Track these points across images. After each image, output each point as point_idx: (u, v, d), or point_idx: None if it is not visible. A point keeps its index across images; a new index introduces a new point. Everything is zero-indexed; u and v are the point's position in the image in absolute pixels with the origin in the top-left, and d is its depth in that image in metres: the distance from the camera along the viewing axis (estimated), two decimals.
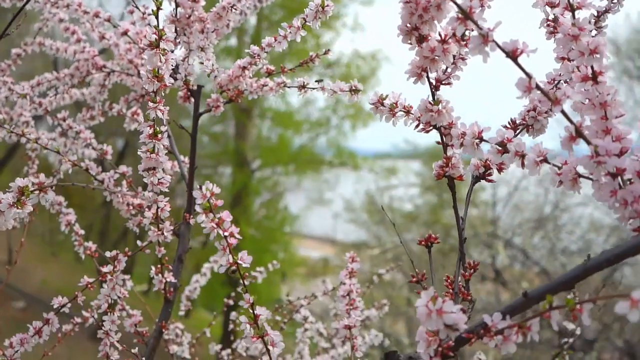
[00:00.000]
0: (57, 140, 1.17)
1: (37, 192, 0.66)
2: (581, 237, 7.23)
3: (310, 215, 12.27)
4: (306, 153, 12.03)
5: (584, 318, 0.45)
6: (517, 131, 0.68)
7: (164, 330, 0.98)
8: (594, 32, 0.72)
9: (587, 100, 0.55)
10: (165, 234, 0.90)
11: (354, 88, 0.84)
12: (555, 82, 0.69)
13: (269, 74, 0.99)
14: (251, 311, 0.64)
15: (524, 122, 0.68)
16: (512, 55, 0.50)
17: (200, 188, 0.61)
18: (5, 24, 0.85)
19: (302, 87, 0.95)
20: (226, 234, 0.62)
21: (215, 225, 0.61)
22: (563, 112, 0.51)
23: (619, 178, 0.52)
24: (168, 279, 0.96)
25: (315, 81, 0.96)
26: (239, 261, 0.63)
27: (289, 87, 0.98)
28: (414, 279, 0.64)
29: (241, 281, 0.64)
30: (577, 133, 0.51)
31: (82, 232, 1.09)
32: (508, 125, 0.68)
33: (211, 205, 0.61)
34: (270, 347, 0.64)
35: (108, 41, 1.13)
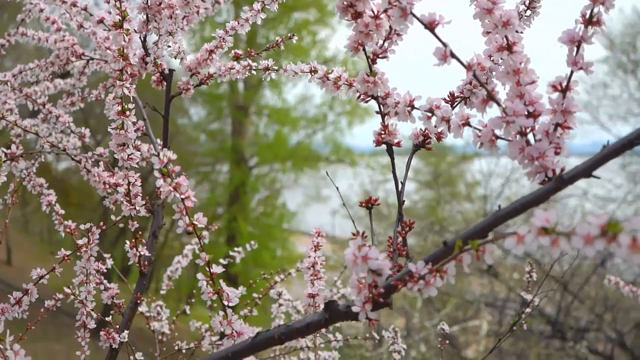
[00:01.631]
0: (40, 126, 1.22)
1: (8, 162, 0.72)
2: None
3: (308, 212, 12.32)
4: (303, 150, 12.09)
5: (486, 257, 0.50)
6: (455, 103, 0.73)
7: (139, 301, 1.04)
8: (528, 12, 0.78)
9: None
10: (138, 208, 0.95)
11: (313, 69, 0.89)
12: (491, 57, 0.74)
13: (237, 58, 1.05)
14: (207, 269, 0.70)
15: (461, 94, 0.73)
16: (430, 26, 0.56)
17: (158, 155, 0.66)
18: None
19: (267, 69, 1.01)
20: (183, 196, 0.67)
21: (172, 189, 0.67)
22: (475, 76, 0.56)
23: (530, 137, 0.57)
24: (142, 253, 1.01)
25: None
26: (195, 222, 0.68)
27: (254, 69, 1.03)
28: (354, 237, 0.69)
29: (198, 241, 0.70)
30: (489, 96, 0.57)
31: (62, 211, 1.14)
32: (447, 98, 0.74)
33: (169, 170, 0.67)
34: (225, 302, 0.70)
35: (86, 30, 1.18)
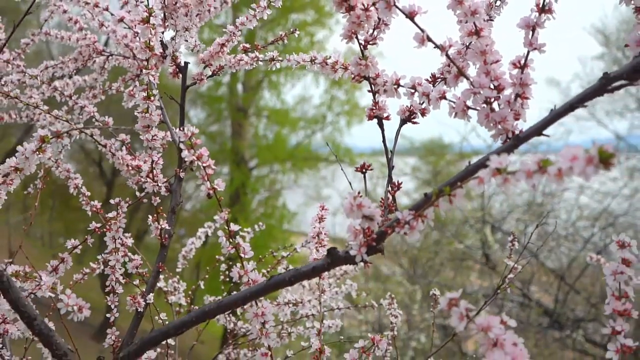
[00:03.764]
0: (65, 116, 1.34)
1: (54, 139, 0.84)
2: (572, 224, 7.44)
3: (308, 212, 12.43)
4: (302, 150, 12.21)
5: (457, 200, 0.62)
6: (436, 83, 0.85)
7: (160, 270, 1.15)
8: (498, 2, 0.90)
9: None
10: (160, 184, 1.07)
11: (313, 58, 1.01)
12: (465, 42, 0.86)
13: (245, 51, 1.17)
14: (226, 227, 0.82)
15: (441, 75, 0.85)
16: (411, 15, 0.68)
17: (184, 128, 0.78)
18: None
19: (272, 59, 1.13)
20: (205, 164, 0.79)
21: (195, 158, 0.79)
22: (447, 56, 0.68)
23: (495, 105, 0.69)
24: (163, 227, 1.13)
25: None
26: (215, 186, 0.80)
27: (261, 61, 1.15)
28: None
29: (218, 204, 0.82)
30: (460, 72, 0.69)
31: (88, 193, 1.26)
32: (429, 79, 0.86)
33: (192, 142, 0.79)
34: (242, 255, 0.82)
35: (106, 28, 1.30)
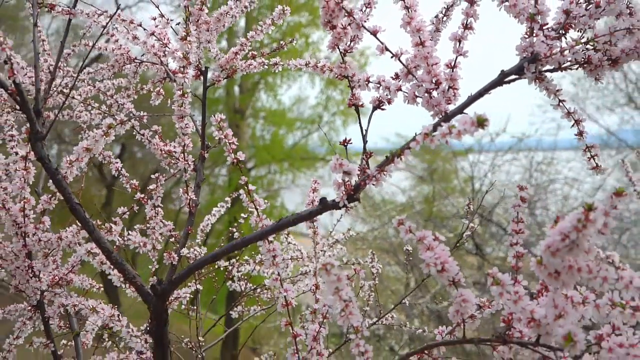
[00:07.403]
0: (111, 111, 1.64)
1: (119, 125, 1.13)
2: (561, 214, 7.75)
3: None
4: (299, 150, 12.49)
5: (405, 158, 0.92)
6: (399, 79, 1.15)
7: (190, 232, 1.45)
8: (444, 18, 1.20)
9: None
10: (190, 163, 1.37)
11: (307, 63, 1.31)
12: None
13: (253, 57, 1.47)
14: (246, 187, 1.12)
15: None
16: (373, 33, 0.98)
17: (214, 115, 1.08)
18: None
19: (276, 64, 1.43)
20: (230, 141, 1.09)
21: (223, 137, 1.09)
22: (400, 61, 0.98)
23: (434, 94, 1.00)
24: (191, 197, 1.43)
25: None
26: (237, 157, 1.10)
27: (266, 65, 1.45)
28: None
29: (240, 170, 1.11)
30: (408, 72, 0.99)
31: (127, 175, 1.56)
32: (393, 76, 1.16)
33: (220, 125, 1.09)
34: (257, 207, 1.12)
35: (138, 40, 1.59)
